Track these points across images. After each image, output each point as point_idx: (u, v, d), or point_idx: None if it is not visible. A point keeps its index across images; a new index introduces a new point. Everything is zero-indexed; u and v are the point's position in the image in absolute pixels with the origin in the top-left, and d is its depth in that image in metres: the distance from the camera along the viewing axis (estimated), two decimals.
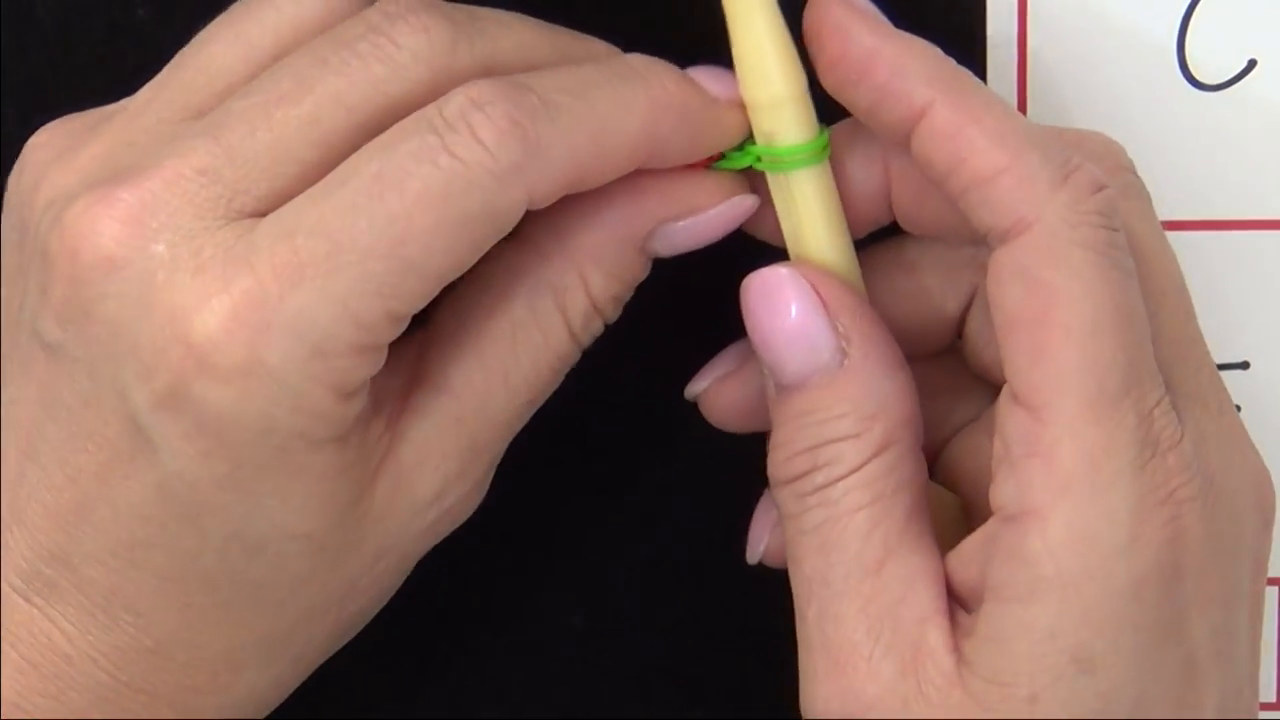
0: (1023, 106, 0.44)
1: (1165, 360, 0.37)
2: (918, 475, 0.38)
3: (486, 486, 0.40)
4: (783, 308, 0.38)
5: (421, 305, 0.36)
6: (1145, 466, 0.35)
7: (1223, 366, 0.45)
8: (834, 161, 0.39)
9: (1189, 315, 0.38)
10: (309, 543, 0.37)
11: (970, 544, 0.37)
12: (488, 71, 0.37)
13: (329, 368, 0.35)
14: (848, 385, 0.38)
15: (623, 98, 0.37)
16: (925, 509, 0.38)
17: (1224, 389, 0.38)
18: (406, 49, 0.37)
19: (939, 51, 0.38)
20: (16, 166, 0.39)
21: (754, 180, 0.40)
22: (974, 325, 0.41)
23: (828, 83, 0.38)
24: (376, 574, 0.39)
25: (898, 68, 0.37)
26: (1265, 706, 0.46)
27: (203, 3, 0.44)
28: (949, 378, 0.41)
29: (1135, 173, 0.39)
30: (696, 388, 0.41)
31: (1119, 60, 0.44)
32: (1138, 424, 0.35)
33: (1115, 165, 0.39)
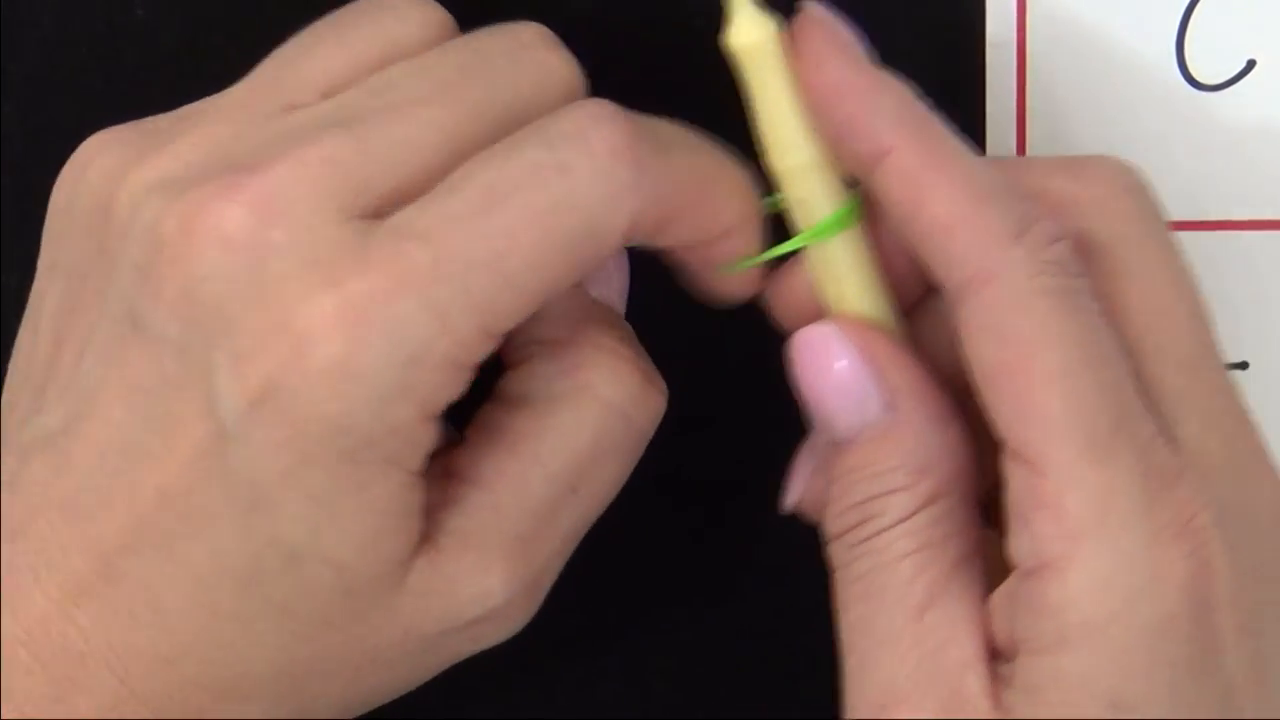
0: (1022, 107, 0.44)
1: (1172, 387, 0.37)
2: (968, 526, 0.38)
3: (539, 594, 0.39)
4: (829, 363, 0.38)
5: (514, 325, 0.36)
6: (1155, 501, 0.35)
7: None
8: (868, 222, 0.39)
9: (1199, 336, 0.38)
10: (340, 576, 0.37)
11: (997, 599, 0.37)
12: None
13: (420, 380, 0.35)
14: (899, 439, 0.37)
15: (728, 176, 0.38)
16: (977, 560, 0.38)
17: (1240, 407, 0.38)
18: (545, 67, 0.38)
19: (911, 94, 0.38)
20: (70, 171, 0.39)
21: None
22: None
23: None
24: (401, 657, 0.38)
25: (865, 104, 0.37)
26: None
27: (201, 2, 0.44)
28: None
29: (1146, 194, 0.39)
30: (792, 499, 0.41)
31: (1118, 61, 0.44)
32: (1136, 460, 0.35)
33: (1121, 189, 0.39)
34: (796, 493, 0.41)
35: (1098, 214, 0.38)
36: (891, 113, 0.37)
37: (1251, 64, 0.44)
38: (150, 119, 0.39)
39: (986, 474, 0.38)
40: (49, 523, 0.37)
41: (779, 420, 0.45)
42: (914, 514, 0.37)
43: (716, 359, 0.45)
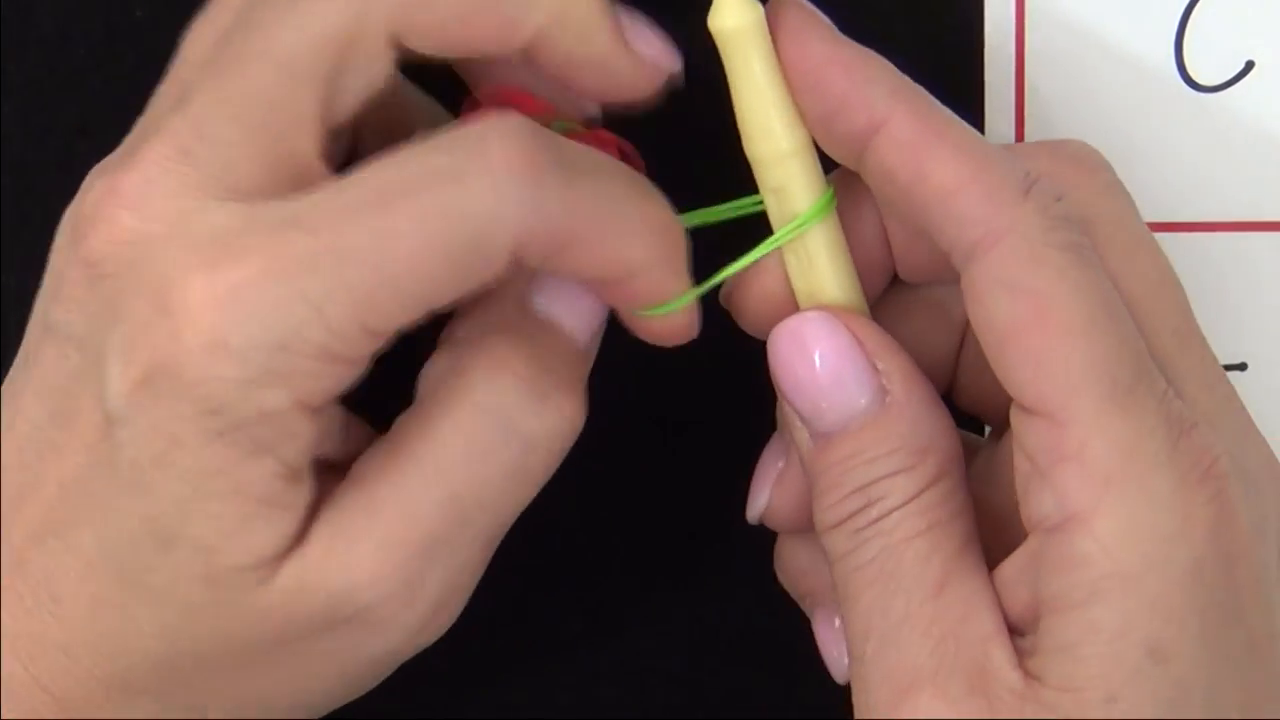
0: (1020, 108, 0.44)
1: (1167, 351, 0.37)
2: (969, 506, 0.38)
3: (424, 604, 0.38)
4: (814, 353, 0.38)
5: (396, 326, 0.36)
6: (1177, 446, 0.35)
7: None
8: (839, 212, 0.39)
9: (1185, 308, 0.38)
10: (207, 562, 0.36)
11: (1012, 567, 0.37)
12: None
13: (290, 366, 0.35)
14: (896, 422, 0.37)
15: (643, 213, 0.37)
16: (977, 539, 0.38)
17: (1226, 378, 0.38)
18: None
19: (894, 66, 0.38)
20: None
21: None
22: (967, 362, 0.40)
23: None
24: (284, 657, 0.38)
25: (858, 77, 0.37)
26: None
27: (200, 4, 0.44)
28: None
29: (1114, 173, 0.39)
30: (757, 508, 0.41)
31: (1116, 62, 0.44)
32: (1157, 407, 0.35)
33: (1093, 167, 0.39)
34: (762, 501, 0.41)
35: (1081, 190, 0.38)
36: (884, 84, 0.37)
37: (1250, 65, 0.44)
38: None
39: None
40: None
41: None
42: (920, 493, 0.37)
43: (716, 360, 0.45)
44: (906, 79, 0.37)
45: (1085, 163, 0.39)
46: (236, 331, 0.35)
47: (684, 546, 0.46)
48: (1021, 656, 0.36)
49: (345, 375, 0.36)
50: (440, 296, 0.36)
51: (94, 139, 0.44)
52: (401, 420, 0.38)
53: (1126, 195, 0.39)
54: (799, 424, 0.38)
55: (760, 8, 0.37)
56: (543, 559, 0.46)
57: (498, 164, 0.35)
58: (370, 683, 0.40)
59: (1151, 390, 0.36)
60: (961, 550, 0.37)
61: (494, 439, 0.38)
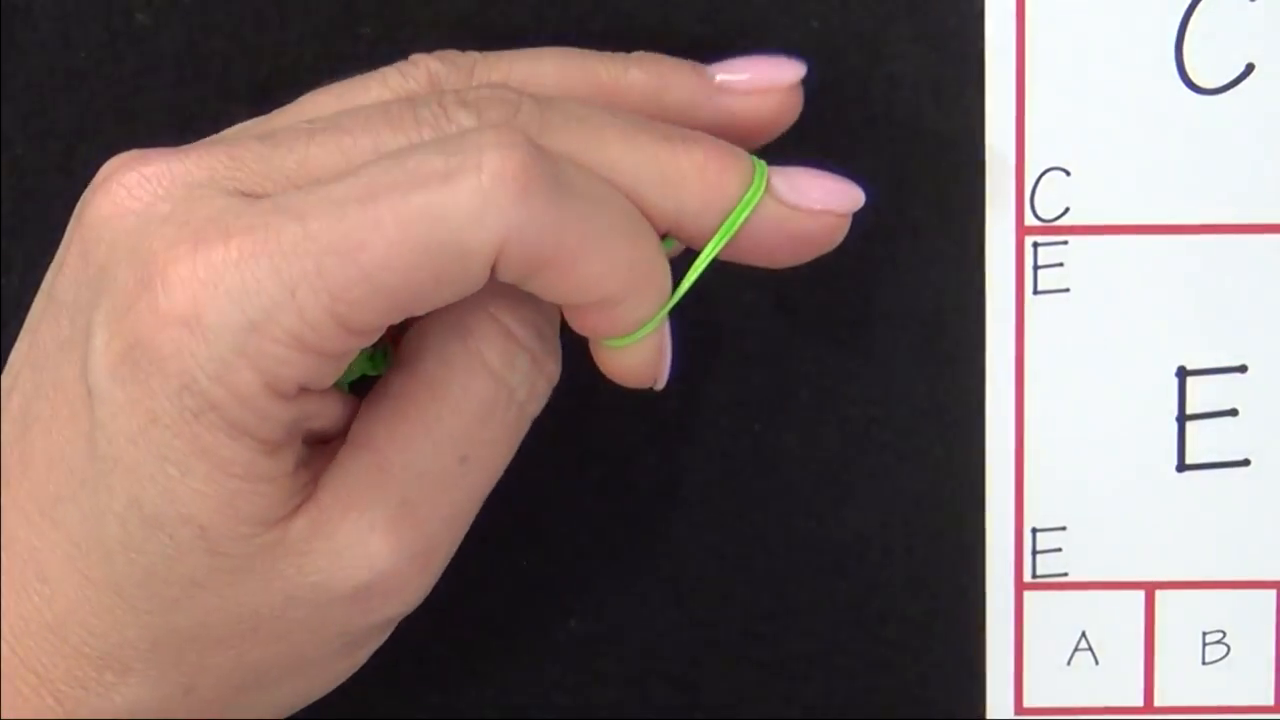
0: (1021, 110, 0.44)
1: None
2: None
3: (431, 569, 0.39)
4: None
5: (369, 324, 0.36)
6: None
7: (1221, 370, 0.45)
8: None
9: None
10: (203, 538, 0.37)
11: None
12: None
13: (260, 348, 0.35)
14: None
15: (629, 244, 0.37)
16: None
17: None
18: (458, 126, 0.37)
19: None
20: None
21: None
22: None
23: None
24: (288, 628, 0.38)
25: None
26: (1265, 709, 0.46)
27: (202, 8, 0.44)
28: None
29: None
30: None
31: (1117, 64, 0.44)
32: None
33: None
34: None
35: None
36: None
37: (1250, 68, 0.44)
38: None
39: None
40: None
41: (779, 422, 0.45)
42: None
43: (715, 360, 0.45)
44: None
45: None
46: (211, 309, 0.35)
47: (684, 547, 0.46)
48: None
49: (317, 368, 0.36)
50: (415, 299, 0.36)
51: (95, 142, 0.44)
52: (404, 383, 0.38)
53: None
54: None
55: None
56: (543, 559, 0.46)
57: (489, 170, 0.35)
58: (367, 652, 0.40)
59: None
60: None
61: (499, 402, 0.38)
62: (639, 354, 0.39)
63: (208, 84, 0.45)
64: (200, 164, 0.37)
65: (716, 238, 0.38)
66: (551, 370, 0.39)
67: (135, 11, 0.44)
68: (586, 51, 0.40)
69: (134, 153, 0.38)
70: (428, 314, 0.38)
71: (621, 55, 0.40)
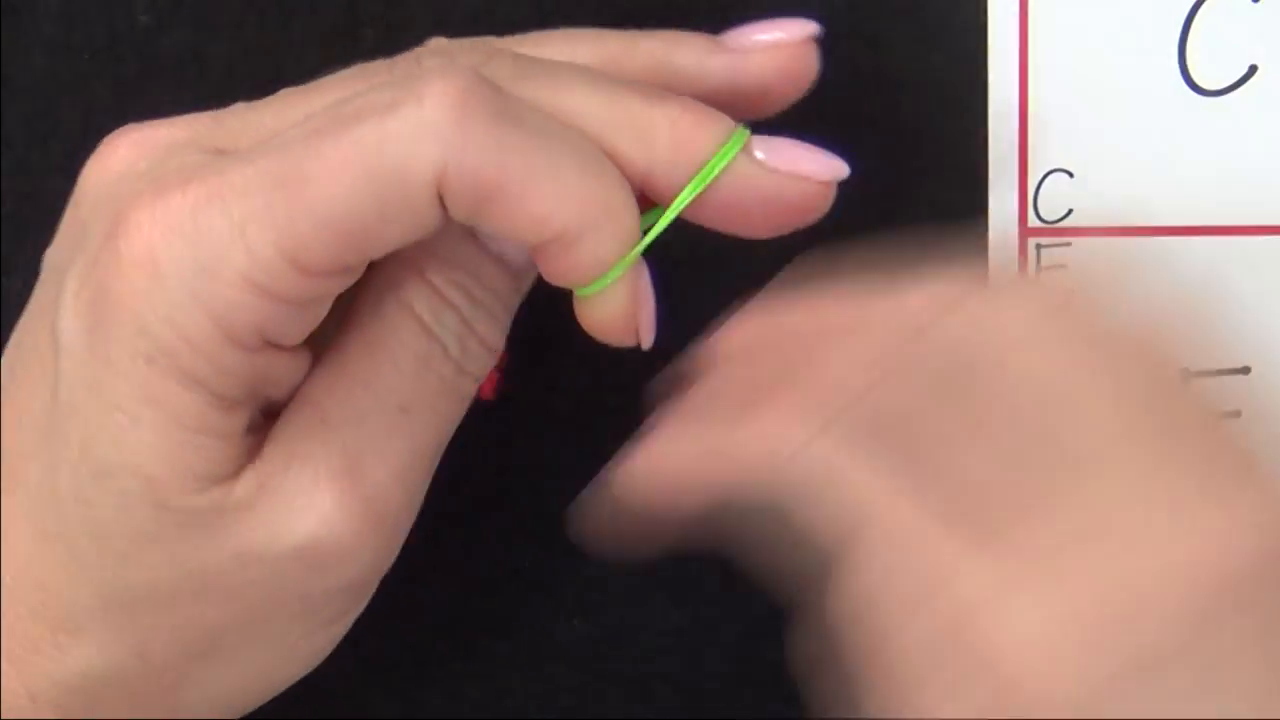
0: (1024, 112, 0.44)
1: None
2: None
3: (386, 528, 0.38)
4: None
5: (320, 264, 0.36)
6: None
7: (1223, 372, 0.45)
8: None
9: None
10: (150, 491, 0.37)
11: None
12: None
13: (212, 292, 0.36)
14: None
15: (582, 172, 0.36)
16: None
17: None
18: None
19: None
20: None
21: None
22: None
23: None
24: (240, 586, 0.38)
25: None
26: None
27: (205, 8, 0.44)
28: None
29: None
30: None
31: (1120, 66, 0.44)
32: None
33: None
34: None
35: None
36: None
37: (1253, 69, 0.44)
38: None
39: None
40: None
41: None
42: None
43: None
44: None
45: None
46: (165, 253, 0.36)
47: (684, 548, 0.46)
48: None
49: (274, 315, 0.36)
50: (365, 236, 0.36)
51: (97, 143, 0.44)
52: (341, 339, 0.38)
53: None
54: None
55: None
56: (543, 560, 0.46)
57: (428, 98, 0.35)
58: (333, 631, 0.40)
59: None
60: None
61: (433, 354, 0.38)
62: (611, 303, 0.38)
63: (210, 85, 0.45)
64: (186, 127, 0.38)
65: (689, 187, 0.37)
66: (487, 335, 0.39)
67: (138, 13, 0.45)
68: (600, 30, 0.40)
69: (131, 125, 0.38)
70: (365, 277, 0.38)
71: (633, 31, 0.40)
